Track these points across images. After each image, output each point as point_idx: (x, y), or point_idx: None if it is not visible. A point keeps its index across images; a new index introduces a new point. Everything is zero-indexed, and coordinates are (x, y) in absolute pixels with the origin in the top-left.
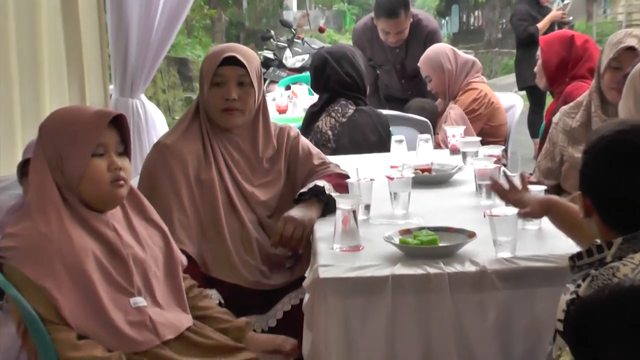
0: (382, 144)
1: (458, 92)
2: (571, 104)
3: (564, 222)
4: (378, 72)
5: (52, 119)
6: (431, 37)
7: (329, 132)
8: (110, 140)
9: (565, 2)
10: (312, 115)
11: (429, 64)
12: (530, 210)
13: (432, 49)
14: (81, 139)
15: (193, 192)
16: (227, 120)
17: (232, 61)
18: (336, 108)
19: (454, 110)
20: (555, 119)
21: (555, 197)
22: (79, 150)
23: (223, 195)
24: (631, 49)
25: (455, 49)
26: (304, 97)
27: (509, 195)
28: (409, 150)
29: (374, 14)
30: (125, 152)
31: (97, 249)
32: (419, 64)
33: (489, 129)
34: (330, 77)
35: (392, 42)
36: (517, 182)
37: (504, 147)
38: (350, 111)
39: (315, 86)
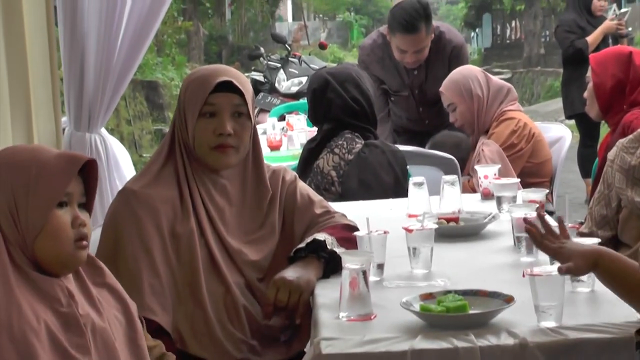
0: (398, 187)
1: (489, 124)
2: (630, 136)
3: (614, 278)
4: (392, 99)
5: (5, 158)
6: (457, 54)
7: (333, 173)
8: (75, 190)
9: (623, 10)
10: (311, 151)
11: (455, 89)
12: (573, 266)
13: (459, 72)
14: (44, 187)
15: (167, 250)
16: (219, 160)
17: (227, 87)
18: (340, 143)
19: (488, 147)
20: (610, 155)
21: (603, 248)
22: (40, 200)
23: (203, 252)
24: None
25: (486, 72)
26: (301, 130)
27: (547, 243)
28: (431, 195)
29: (388, 28)
30: (87, 204)
31: (50, 319)
32: (441, 89)
33: (531, 167)
34: (332, 103)
35: (409, 63)
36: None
37: (548, 191)
38: (359, 146)
39: (315, 115)
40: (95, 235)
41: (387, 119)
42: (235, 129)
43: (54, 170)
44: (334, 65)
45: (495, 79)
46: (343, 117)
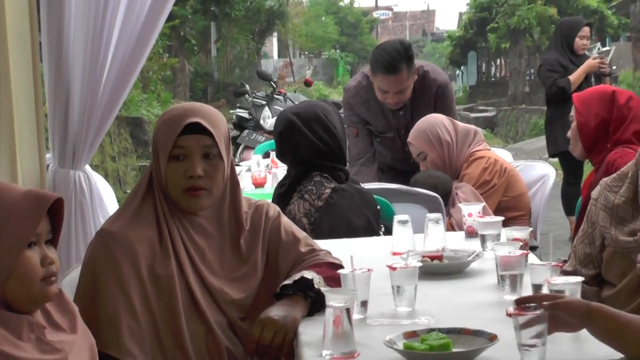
0: (370, 229)
1: (460, 168)
2: (614, 175)
3: (607, 332)
4: (378, 139)
5: None
6: (442, 93)
7: (304, 220)
8: (43, 229)
9: (606, 48)
10: (281, 197)
11: (424, 137)
12: (560, 301)
13: (425, 120)
14: (13, 229)
15: (146, 291)
16: (191, 203)
17: (196, 128)
18: (310, 188)
19: (461, 189)
20: (594, 193)
21: (597, 304)
22: (9, 242)
23: (184, 293)
24: None
25: (451, 118)
26: (284, 167)
27: (539, 302)
28: (415, 233)
29: (370, 68)
30: (53, 240)
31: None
32: (409, 140)
33: (507, 201)
34: (299, 145)
35: (392, 104)
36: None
37: (531, 229)
38: (327, 191)
39: (283, 157)
40: (76, 273)
41: (373, 159)
42: (206, 171)
43: (23, 213)
44: (298, 104)
45: (461, 123)
46: (311, 159)
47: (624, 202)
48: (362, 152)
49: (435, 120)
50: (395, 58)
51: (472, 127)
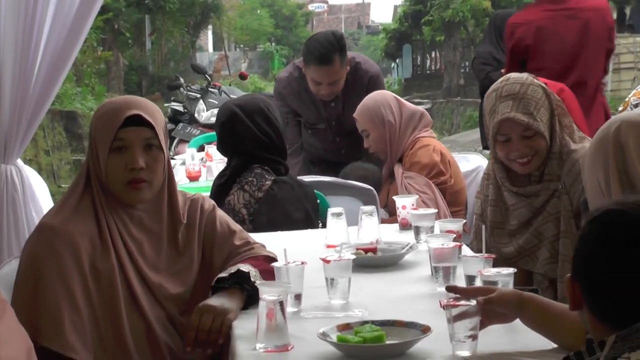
0: (309, 222)
1: (402, 151)
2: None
3: (539, 322)
4: (309, 131)
5: None
6: (374, 84)
7: (243, 211)
8: None
9: None
10: (221, 187)
11: (367, 115)
12: (495, 295)
13: (371, 97)
14: None
15: (88, 286)
16: (132, 196)
17: (136, 120)
18: (250, 179)
19: (414, 180)
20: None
21: (528, 295)
22: None
23: (124, 288)
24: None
25: (399, 97)
26: (220, 160)
27: (471, 296)
28: (349, 226)
29: (303, 60)
30: None
31: None
32: (354, 115)
33: (447, 196)
34: (241, 136)
35: (325, 95)
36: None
37: (465, 221)
38: (268, 183)
39: (224, 148)
40: (8, 268)
41: (300, 151)
42: (147, 163)
43: None
44: (242, 96)
45: (409, 104)
46: (252, 151)
47: (493, 206)
48: (290, 142)
49: (381, 98)
50: (328, 49)
51: (419, 108)
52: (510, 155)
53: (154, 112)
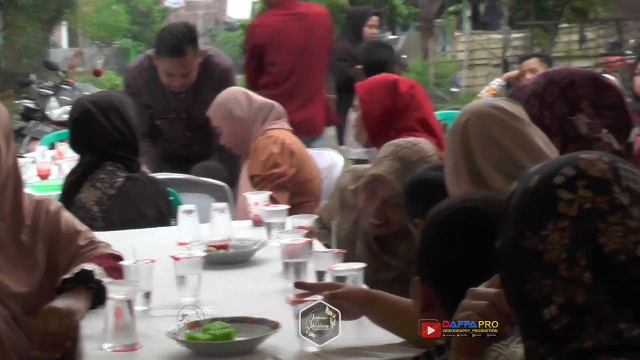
0: (162, 220)
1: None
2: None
3: (387, 318)
4: (158, 123)
5: None
6: (225, 77)
7: (95, 208)
8: None
9: (394, 37)
10: (72, 185)
11: (218, 111)
12: (341, 291)
13: (222, 94)
14: None
15: None
16: None
17: None
18: (102, 176)
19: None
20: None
21: (375, 292)
22: None
23: None
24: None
25: (249, 92)
26: (71, 158)
27: (319, 291)
28: (201, 223)
29: (155, 51)
30: None
31: None
32: (208, 114)
33: (294, 186)
34: (94, 133)
35: (177, 87)
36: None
37: (317, 216)
38: (120, 180)
39: (76, 145)
40: None
41: (152, 145)
42: None
43: None
44: (96, 93)
45: (259, 97)
46: (106, 148)
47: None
48: (140, 137)
49: (230, 94)
50: (180, 40)
51: (270, 101)
52: (370, 211)
53: None
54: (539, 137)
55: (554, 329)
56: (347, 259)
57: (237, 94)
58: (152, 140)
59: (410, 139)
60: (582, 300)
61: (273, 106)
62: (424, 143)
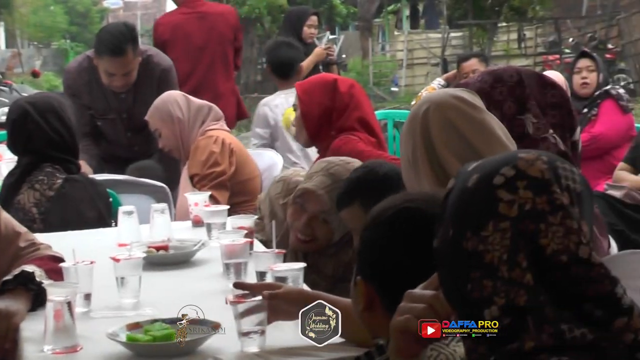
0: (102, 221)
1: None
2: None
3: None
4: (99, 123)
5: None
6: (165, 77)
7: (34, 210)
8: None
9: (333, 37)
10: (10, 187)
11: (157, 114)
12: (282, 291)
13: (160, 98)
14: None
15: None
16: None
17: None
18: (41, 178)
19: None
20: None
21: (315, 293)
22: None
23: None
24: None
25: (187, 95)
26: (9, 160)
27: (259, 291)
28: (141, 224)
29: (95, 51)
30: None
31: None
32: (146, 118)
33: (234, 185)
34: (32, 135)
35: (118, 87)
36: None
37: (257, 216)
38: (59, 181)
39: (14, 147)
40: None
41: (93, 146)
42: None
43: None
44: (34, 94)
45: (197, 100)
46: (44, 149)
47: None
48: (80, 138)
49: (168, 96)
50: (120, 40)
51: (207, 103)
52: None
53: None
54: (498, 127)
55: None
56: None
57: (176, 96)
58: (94, 140)
59: (343, 158)
60: (524, 302)
61: (211, 108)
62: (356, 163)
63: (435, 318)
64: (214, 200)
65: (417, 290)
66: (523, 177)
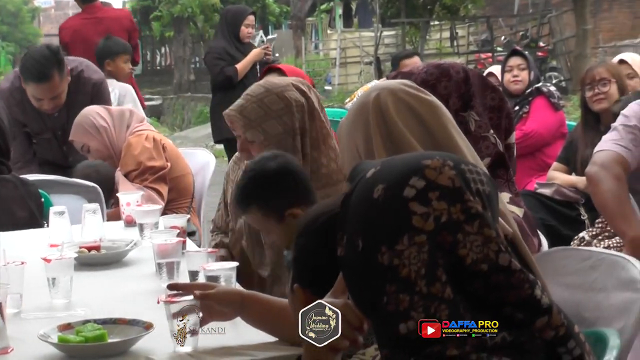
0: (33, 221)
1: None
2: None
3: (261, 319)
4: (35, 140)
5: None
6: (97, 91)
7: None
8: None
9: (270, 37)
10: None
11: (80, 130)
12: (214, 291)
13: (79, 115)
14: None
15: None
16: None
17: None
18: None
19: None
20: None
21: (250, 293)
22: None
23: None
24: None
25: (105, 106)
26: None
27: (192, 291)
28: (73, 224)
29: (21, 76)
30: None
31: None
32: (70, 138)
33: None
34: None
35: (48, 110)
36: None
37: (189, 216)
38: None
39: None
40: None
41: (32, 159)
42: None
43: None
44: None
45: (115, 107)
46: None
47: None
48: (20, 156)
49: (87, 111)
50: (44, 65)
51: (126, 108)
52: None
53: None
54: (446, 110)
55: (412, 339)
56: None
57: (94, 108)
58: (32, 156)
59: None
60: (446, 316)
61: (132, 111)
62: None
63: (346, 328)
64: (157, 194)
65: (327, 299)
66: (434, 187)
